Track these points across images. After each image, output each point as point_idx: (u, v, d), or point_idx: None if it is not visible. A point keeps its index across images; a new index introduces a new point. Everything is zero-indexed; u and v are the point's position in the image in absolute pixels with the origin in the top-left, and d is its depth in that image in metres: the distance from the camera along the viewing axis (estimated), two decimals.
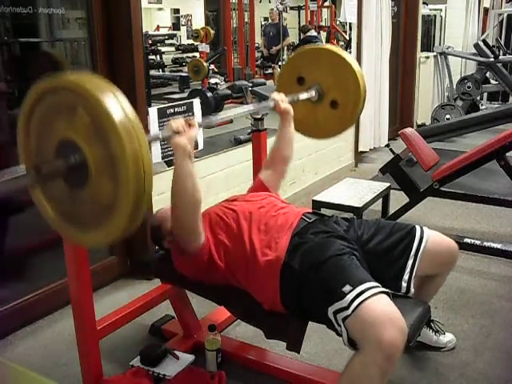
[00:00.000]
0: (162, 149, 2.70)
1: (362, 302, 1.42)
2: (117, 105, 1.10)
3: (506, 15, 8.35)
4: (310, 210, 1.90)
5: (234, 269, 1.73)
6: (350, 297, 1.44)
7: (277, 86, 2.29)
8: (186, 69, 7.96)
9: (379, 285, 1.49)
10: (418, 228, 1.81)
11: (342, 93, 2.14)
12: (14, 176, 1.17)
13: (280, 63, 7.47)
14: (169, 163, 3.00)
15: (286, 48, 8.44)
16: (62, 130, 1.20)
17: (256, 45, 8.64)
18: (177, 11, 11.25)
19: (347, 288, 1.45)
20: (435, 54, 6.83)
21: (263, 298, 1.68)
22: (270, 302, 1.66)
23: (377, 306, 1.42)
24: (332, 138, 2.36)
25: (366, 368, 1.40)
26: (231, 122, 6.13)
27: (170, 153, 2.75)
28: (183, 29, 10.97)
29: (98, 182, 1.17)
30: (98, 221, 1.22)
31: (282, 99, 2.00)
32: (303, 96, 2.12)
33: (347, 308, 1.43)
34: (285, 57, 8.24)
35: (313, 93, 2.15)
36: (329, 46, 2.24)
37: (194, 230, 1.66)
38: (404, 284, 1.72)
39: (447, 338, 2.16)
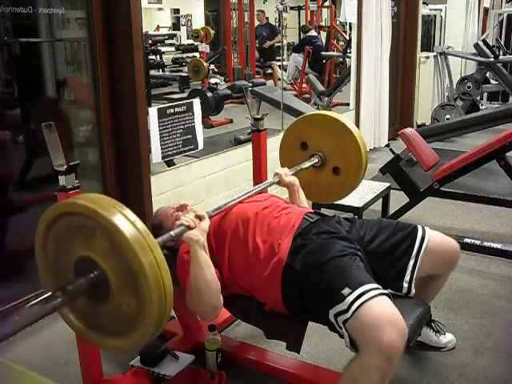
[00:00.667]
0: (161, 149, 2.70)
1: (361, 304, 1.42)
2: (128, 223, 1.16)
3: (506, 15, 8.34)
4: (312, 210, 1.91)
5: (237, 273, 1.73)
6: (349, 299, 1.44)
7: (280, 152, 2.33)
8: (186, 69, 7.95)
9: (379, 286, 1.49)
10: (419, 228, 1.81)
11: (344, 160, 2.18)
12: (40, 300, 1.21)
13: (280, 64, 7.46)
14: (169, 163, 3.01)
15: (285, 47, 8.44)
16: (79, 248, 1.25)
17: (256, 45, 8.63)
18: (177, 11, 11.23)
19: (346, 291, 1.46)
20: (435, 54, 6.83)
21: (266, 299, 1.68)
22: (273, 303, 1.66)
23: (376, 307, 1.42)
24: (332, 202, 2.43)
25: (366, 370, 1.40)
26: (231, 121, 6.16)
27: (169, 153, 2.76)
28: (183, 29, 10.95)
29: (120, 296, 1.22)
30: (122, 331, 1.26)
31: (285, 173, 2.05)
32: (306, 165, 2.16)
33: (347, 311, 1.43)
34: (285, 56, 8.23)
35: (316, 160, 2.19)
36: (330, 113, 2.27)
37: (211, 314, 1.69)
38: (405, 284, 1.72)
39: (447, 338, 2.16)
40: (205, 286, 1.60)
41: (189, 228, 1.58)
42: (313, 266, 1.59)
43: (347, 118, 2.23)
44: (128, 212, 1.19)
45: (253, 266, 1.68)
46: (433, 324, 2.15)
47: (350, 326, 1.44)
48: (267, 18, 8.84)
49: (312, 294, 1.57)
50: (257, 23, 8.36)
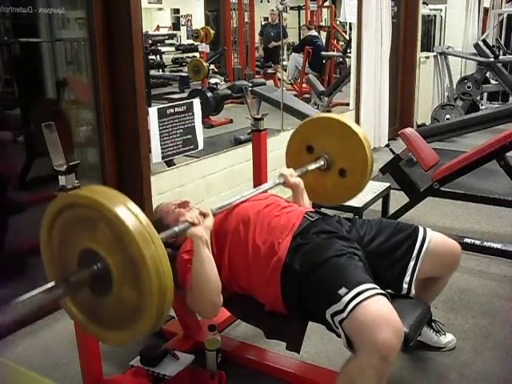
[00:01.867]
0: (161, 149, 2.70)
1: (357, 304, 1.42)
2: (132, 216, 1.17)
3: (506, 15, 8.34)
4: (313, 209, 1.91)
5: (236, 272, 1.74)
6: (345, 299, 1.44)
7: (286, 156, 2.32)
8: (186, 69, 7.95)
9: (376, 286, 1.49)
10: (420, 229, 1.81)
11: (350, 161, 2.17)
12: (43, 290, 1.23)
13: (280, 63, 7.46)
14: (168, 163, 3.01)
15: (285, 47, 8.43)
16: (84, 240, 1.26)
17: (256, 45, 8.63)
18: (177, 11, 11.23)
19: (343, 290, 1.46)
20: (435, 53, 6.83)
21: (266, 300, 1.68)
22: (273, 303, 1.66)
23: (372, 307, 1.42)
24: (339, 204, 2.42)
25: (362, 370, 1.41)
26: (231, 121, 6.16)
27: (169, 153, 2.76)
28: (183, 29, 10.96)
29: (122, 289, 1.23)
30: (123, 324, 1.27)
31: (290, 174, 2.04)
32: (312, 167, 2.15)
33: (343, 311, 1.43)
34: (285, 56, 8.23)
35: (321, 162, 2.18)
36: (336, 116, 2.26)
37: (212, 312, 1.69)
38: (405, 285, 1.72)
39: (447, 338, 2.16)
40: (206, 282, 1.60)
41: (193, 225, 1.58)
42: (311, 265, 1.59)
43: (351, 120, 2.22)
44: (131, 204, 1.20)
45: (253, 265, 1.68)
46: (433, 324, 2.15)
47: (346, 326, 1.44)
48: (266, 18, 8.85)
49: (310, 294, 1.57)
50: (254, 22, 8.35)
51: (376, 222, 1.85)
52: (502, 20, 8.35)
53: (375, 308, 1.42)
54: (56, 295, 1.26)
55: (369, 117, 5.05)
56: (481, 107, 6.99)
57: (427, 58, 6.67)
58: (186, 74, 7.73)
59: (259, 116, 2.36)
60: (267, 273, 1.65)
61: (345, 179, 2.20)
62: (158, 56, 9.02)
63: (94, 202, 1.19)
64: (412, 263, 1.74)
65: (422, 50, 6.49)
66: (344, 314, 1.43)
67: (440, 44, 7.56)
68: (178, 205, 1.94)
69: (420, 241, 1.77)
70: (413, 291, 1.73)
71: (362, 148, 2.13)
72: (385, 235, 1.78)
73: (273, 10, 8.27)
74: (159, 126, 2.66)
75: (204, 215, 1.64)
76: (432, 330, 2.14)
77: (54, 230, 1.32)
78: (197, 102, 2.65)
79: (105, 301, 1.28)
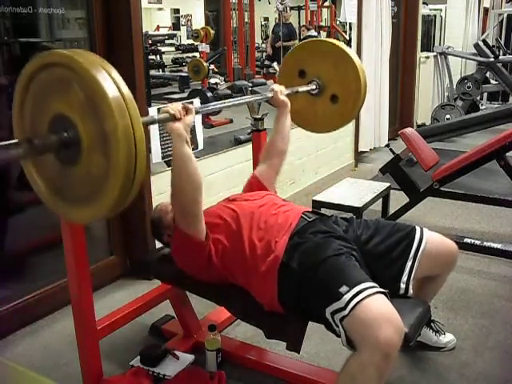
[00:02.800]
0: (161, 149, 2.70)
1: (358, 302, 1.42)
2: (111, 81, 1.13)
3: (506, 15, 8.35)
4: (310, 209, 1.90)
5: (232, 269, 1.73)
6: (346, 297, 1.44)
7: (278, 80, 2.29)
8: (186, 69, 7.95)
9: (376, 285, 1.49)
10: (417, 229, 1.81)
11: (343, 88, 2.14)
12: (5, 144, 1.18)
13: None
14: (168, 163, 3.00)
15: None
16: (57, 105, 1.21)
17: (256, 45, 8.63)
18: (177, 11, 11.24)
19: (344, 289, 1.46)
20: (435, 54, 6.83)
21: (263, 299, 1.68)
22: (269, 303, 1.66)
23: (373, 305, 1.42)
24: (330, 132, 2.36)
25: (363, 368, 1.41)
26: (231, 121, 6.16)
27: (169, 153, 2.76)
28: (183, 29, 10.96)
29: (90, 159, 1.19)
30: (88, 198, 1.24)
31: (281, 90, 2.02)
32: (303, 89, 2.12)
33: (344, 308, 1.43)
34: None
35: (313, 86, 2.15)
36: (331, 40, 2.23)
37: (196, 213, 1.67)
38: (402, 285, 1.72)
39: (447, 338, 2.16)
40: (186, 179, 1.59)
41: (173, 118, 1.56)
42: (309, 264, 1.59)
43: (346, 45, 2.17)
44: (115, 73, 1.15)
45: (249, 263, 1.68)
46: (433, 324, 2.15)
47: (347, 324, 1.44)
48: (267, 18, 8.85)
49: (308, 292, 1.57)
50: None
51: (373, 222, 1.85)
52: (502, 20, 8.36)
53: (376, 306, 1.42)
54: (15, 154, 1.20)
55: (369, 117, 5.05)
56: (481, 107, 6.99)
57: (427, 58, 6.68)
58: (186, 74, 7.73)
59: (259, 116, 2.36)
60: (264, 270, 1.64)
61: (336, 106, 2.17)
62: (158, 56, 9.02)
63: (75, 63, 1.14)
64: (409, 263, 1.74)
65: (422, 50, 6.49)
66: (345, 312, 1.43)
67: (440, 44, 7.56)
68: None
69: (417, 241, 1.77)
70: (410, 291, 1.72)
71: (356, 75, 2.09)
72: (382, 235, 1.78)
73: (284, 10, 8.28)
74: (159, 126, 2.66)
75: (186, 110, 1.61)
76: (431, 331, 2.14)
77: (30, 90, 1.27)
78: (197, 102, 2.64)
79: (71, 172, 1.23)
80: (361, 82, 2.10)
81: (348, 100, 2.14)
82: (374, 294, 1.45)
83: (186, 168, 1.59)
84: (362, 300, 1.42)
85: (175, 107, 1.58)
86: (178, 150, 1.57)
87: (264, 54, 9.08)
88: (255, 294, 1.70)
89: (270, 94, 2.01)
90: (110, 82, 1.13)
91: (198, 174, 1.61)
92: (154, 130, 2.66)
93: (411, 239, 1.77)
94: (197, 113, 1.67)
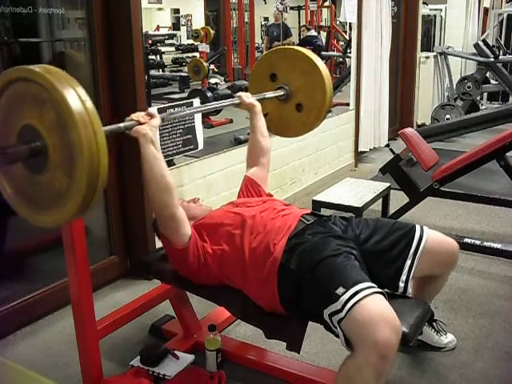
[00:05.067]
0: (161, 149, 2.69)
1: (355, 303, 1.42)
2: (76, 97, 1.22)
3: (505, 15, 8.35)
4: (309, 211, 1.90)
5: (230, 272, 1.74)
6: (343, 299, 1.44)
7: (250, 80, 2.37)
8: (186, 69, 7.95)
9: (374, 285, 1.49)
10: (417, 227, 1.80)
11: (309, 98, 2.18)
12: None
13: None
14: (169, 163, 3.00)
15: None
16: (26, 117, 1.29)
17: (256, 45, 8.63)
18: (177, 11, 11.25)
19: (341, 290, 1.45)
20: (435, 54, 6.83)
21: (262, 301, 1.68)
22: (270, 305, 1.66)
23: (370, 306, 1.42)
24: (291, 137, 2.46)
25: (361, 368, 1.40)
26: (231, 121, 6.16)
27: (169, 153, 2.76)
28: (183, 29, 10.97)
29: (56, 169, 1.28)
30: (52, 205, 1.32)
31: (246, 95, 2.09)
32: (270, 95, 2.18)
33: (341, 310, 1.43)
34: None
35: (281, 92, 2.20)
36: (303, 50, 2.25)
37: (172, 215, 1.67)
38: (401, 284, 1.72)
39: (448, 338, 2.16)
40: (155, 183, 1.62)
41: (138, 123, 1.61)
42: (307, 265, 1.58)
43: (317, 57, 2.21)
44: (80, 90, 1.23)
45: (249, 266, 1.68)
46: (434, 324, 2.15)
47: (344, 326, 1.44)
48: (267, 18, 8.85)
49: (307, 294, 1.57)
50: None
51: (372, 221, 1.85)
52: (502, 20, 8.36)
53: (373, 307, 1.42)
54: None
55: (369, 117, 5.05)
56: (481, 107, 6.99)
57: (427, 58, 6.68)
58: (186, 74, 7.74)
59: None
60: (264, 273, 1.64)
61: (300, 114, 2.21)
62: (158, 56, 9.03)
63: (45, 81, 1.22)
64: (408, 262, 1.73)
65: (422, 50, 6.49)
66: (342, 314, 1.43)
67: (440, 44, 7.58)
68: (188, 201, 1.97)
69: (417, 239, 1.76)
70: (409, 290, 1.72)
71: (322, 86, 2.13)
72: (381, 234, 1.78)
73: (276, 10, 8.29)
74: (159, 126, 2.66)
75: (151, 116, 1.67)
76: (433, 330, 2.14)
77: (2, 100, 1.34)
78: (197, 102, 2.64)
79: (36, 179, 1.32)
80: (326, 95, 2.14)
81: (312, 110, 2.19)
82: (371, 294, 1.44)
83: (152, 170, 1.61)
84: (358, 301, 1.42)
85: (139, 114, 1.64)
86: (145, 150, 1.61)
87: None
88: (255, 297, 1.70)
89: (236, 101, 2.09)
90: (76, 97, 1.22)
91: (165, 176, 1.63)
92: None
93: (411, 237, 1.77)
94: (162, 120, 1.73)
